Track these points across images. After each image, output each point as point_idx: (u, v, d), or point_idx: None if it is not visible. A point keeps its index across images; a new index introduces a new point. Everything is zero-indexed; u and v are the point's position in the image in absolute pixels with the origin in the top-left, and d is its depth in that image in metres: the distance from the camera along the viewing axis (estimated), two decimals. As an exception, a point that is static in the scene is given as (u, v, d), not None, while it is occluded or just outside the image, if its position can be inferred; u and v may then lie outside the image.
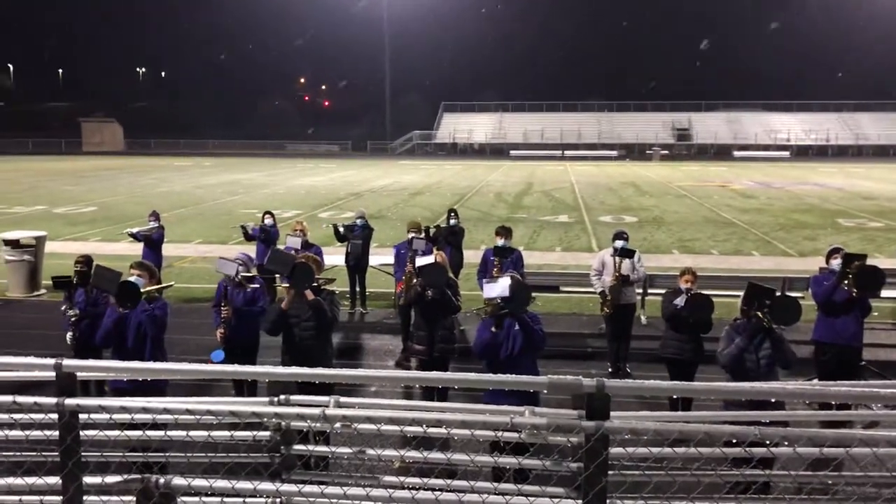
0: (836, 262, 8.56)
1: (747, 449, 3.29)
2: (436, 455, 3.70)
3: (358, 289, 13.28)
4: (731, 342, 6.37)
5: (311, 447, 4.02)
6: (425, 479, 3.71)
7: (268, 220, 13.15)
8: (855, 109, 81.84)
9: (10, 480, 3.78)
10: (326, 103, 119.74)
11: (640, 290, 11.74)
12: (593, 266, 10.48)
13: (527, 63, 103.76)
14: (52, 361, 3.49)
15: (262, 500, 3.81)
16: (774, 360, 6.29)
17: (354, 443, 3.88)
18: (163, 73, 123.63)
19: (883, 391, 3.27)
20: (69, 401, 3.45)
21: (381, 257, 14.12)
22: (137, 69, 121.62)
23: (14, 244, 14.40)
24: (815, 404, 7.17)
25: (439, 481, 3.70)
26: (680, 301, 8.10)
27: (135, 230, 13.32)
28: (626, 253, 10.02)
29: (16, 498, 3.80)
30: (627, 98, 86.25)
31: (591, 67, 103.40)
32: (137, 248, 13.53)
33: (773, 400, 5.01)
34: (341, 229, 13.14)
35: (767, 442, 3.30)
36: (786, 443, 3.33)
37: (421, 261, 8.19)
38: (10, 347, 10.09)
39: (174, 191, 36.66)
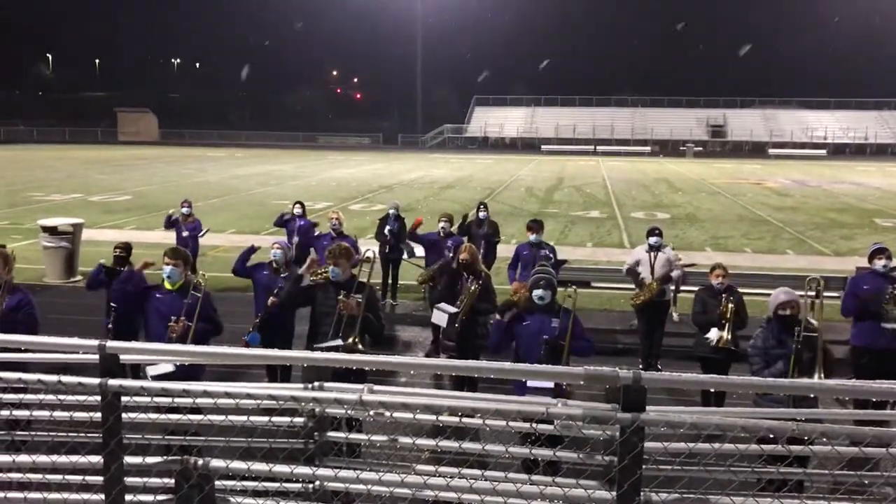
0: (880, 263, 8.06)
1: (785, 445, 3.27)
2: (470, 445, 3.72)
3: (390, 280, 13.35)
4: (764, 342, 6.32)
5: (346, 434, 4.07)
6: (459, 469, 3.73)
7: (297, 210, 13.27)
8: (895, 108, 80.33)
9: (55, 458, 3.87)
10: (358, 96, 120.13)
11: (673, 287, 11.66)
12: (627, 262, 10.43)
13: (560, 57, 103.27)
14: (95, 343, 3.56)
15: (299, 484, 3.87)
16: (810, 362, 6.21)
17: (387, 431, 3.92)
18: (197, 65, 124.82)
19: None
20: (112, 382, 3.52)
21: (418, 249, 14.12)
22: (173, 60, 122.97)
23: (52, 231, 14.66)
24: (850, 404, 7.07)
25: (473, 471, 3.73)
26: (712, 336, 7.96)
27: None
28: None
29: (59, 476, 3.90)
30: (661, 93, 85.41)
31: (624, 62, 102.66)
32: (170, 236, 13.71)
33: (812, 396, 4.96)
34: (386, 232, 13.13)
35: (805, 438, 3.28)
36: (824, 440, 3.30)
37: (439, 319, 8.11)
38: (47, 333, 10.26)
39: (208, 181, 37.04)
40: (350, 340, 6.32)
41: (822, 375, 5.94)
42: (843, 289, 11.77)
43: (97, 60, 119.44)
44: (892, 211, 28.07)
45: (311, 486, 3.88)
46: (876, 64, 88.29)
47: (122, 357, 3.76)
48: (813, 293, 6.35)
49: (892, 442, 3.25)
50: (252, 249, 8.83)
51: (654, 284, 9.76)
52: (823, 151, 71.14)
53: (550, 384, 5.96)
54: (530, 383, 6.03)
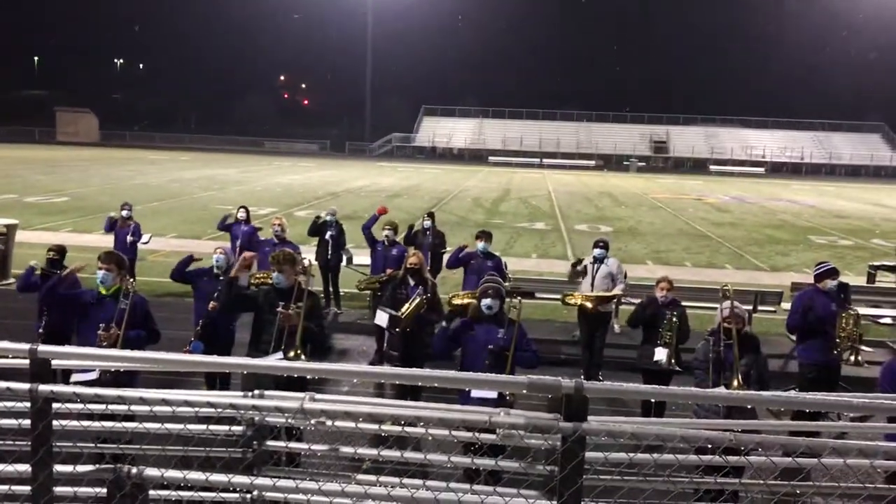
0: (832, 284, 8.19)
1: (722, 455, 3.32)
2: (412, 454, 3.70)
3: (331, 288, 13.24)
4: (705, 355, 6.45)
5: (285, 443, 4.00)
6: (400, 479, 3.70)
7: (241, 214, 13.08)
8: (829, 129, 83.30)
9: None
10: (306, 102, 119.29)
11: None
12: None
13: (508, 70, 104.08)
14: (26, 346, 3.44)
15: (236, 494, 3.79)
16: (751, 377, 6.34)
17: (328, 440, 3.87)
18: (140, 65, 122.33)
19: (855, 401, 3.33)
20: (43, 387, 3.41)
21: (357, 257, 14.06)
22: (115, 60, 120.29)
23: (-16, 231, 14.18)
24: (784, 416, 7.25)
25: (415, 480, 3.70)
26: (662, 358, 7.99)
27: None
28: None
29: (-17, 486, 3.75)
30: (606, 109, 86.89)
31: (571, 77, 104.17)
32: (108, 240, 13.38)
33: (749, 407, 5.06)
34: (320, 221, 12.99)
35: (742, 448, 3.34)
36: (759, 450, 3.37)
37: (381, 319, 8.04)
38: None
39: (149, 183, 36.31)
40: (291, 354, 6.22)
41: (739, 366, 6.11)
42: (778, 303, 12.15)
43: (35, 58, 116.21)
44: (825, 229, 28.97)
45: (248, 495, 3.80)
46: (813, 86, 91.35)
47: (53, 362, 3.64)
48: (727, 303, 6.49)
49: (823, 452, 3.33)
50: (191, 259, 8.65)
51: (588, 299, 9.88)
52: (762, 169, 73.27)
53: (494, 394, 5.97)
54: (474, 393, 6.03)
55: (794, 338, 9.11)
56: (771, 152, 78.38)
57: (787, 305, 10.36)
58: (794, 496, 3.69)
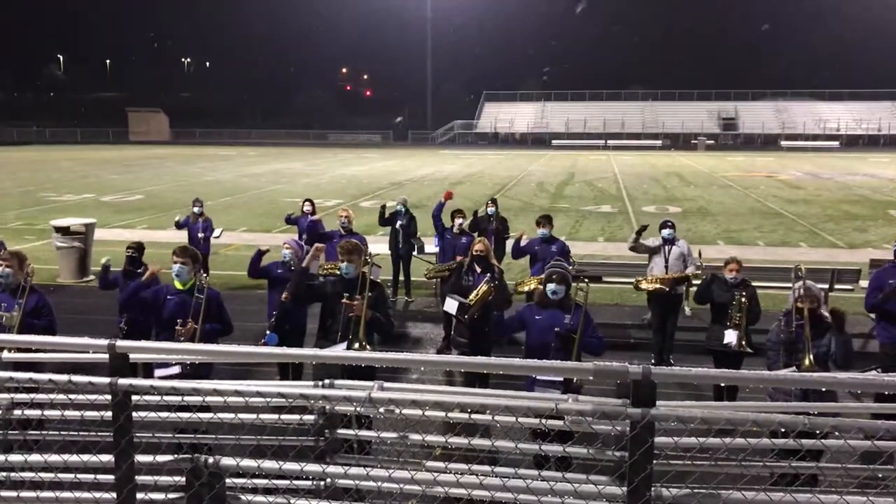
0: None
1: (797, 439, 3.24)
2: (480, 441, 3.71)
3: (401, 277, 13.36)
4: (777, 336, 6.30)
5: (356, 431, 4.07)
6: (469, 465, 3.72)
7: (307, 207, 13.28)
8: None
9: (67, 457, 3.89)
10: (368, 93, 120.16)
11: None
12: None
13: (569, 52, 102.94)
14: (105, 342, 3.57)
15: (309, 482, 3.87)
16: (830, 357, 6.16)
17: (397, 428, 3.92)
18: (207, 64, 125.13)
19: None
20: (122, 381, 3.53)
21: (427, 246, 14.13)
22: (183, 60, 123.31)
23: (64, 231, 14.75)
24: (867, 398, 7.01)
25: (483, 467, 3.72)
26: (732, 340, 7.87)
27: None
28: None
29: (71, 475, 3.91)
30: (672, 87, 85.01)
31: (634, 56, 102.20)
32: (182, 236, 13.73)
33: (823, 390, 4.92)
34: (387, 213, 13.22)
35: (818, 432, 3.25)
36: (836, 433, 3.27)
37: (450, 307, 7.93)
38: (60, 333, 10.32)
39: (219, 179, 37.17)
40: (356, 346, 6.29)
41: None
42: (856, 281, 11.75)
43: (108, 61, 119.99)
44: (906, 202, 27.84)
45: (321, 483, 3.88)
46: (888, 54, 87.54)
47: (132, 356, 3.77)
48: (799, 283, 6.29)
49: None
50: (260, 253, 8.82)
51: (664, 281, 9.74)
52: (836, 143, 70.73)
53: (560, 378, 5.95)
54: (540, 377, 6.02)
55: (873, 317, 8.80)
56: (846, 125, 75.56)
57: (865, 283, 10.00)
58: (876, 479, 3.58)
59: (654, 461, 3.28)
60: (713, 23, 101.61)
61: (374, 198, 29.13)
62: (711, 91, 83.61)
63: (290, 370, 8.03)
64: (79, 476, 3.90)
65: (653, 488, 3.30)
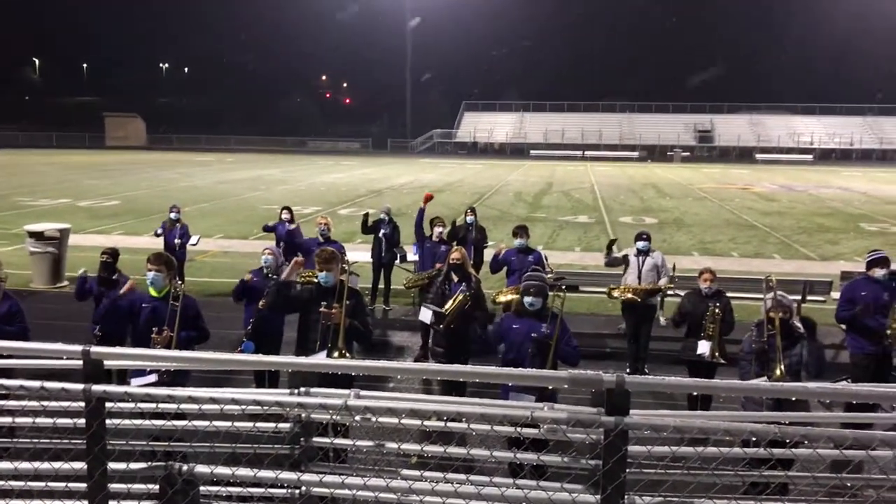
0: (880, 273, 8.07)
1: (767, 448, 3.28)
2: (455, 449, 3.72)
3: (381, 285, 13.35)
4: (749, 346, 6.38)
5: (331, 439, 4.07)
6: (444, 473, 3.73)
7: (285, 215, 13.23)
8: (879, 113, 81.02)
9: (37, 465, 3.85)
10: (348, 101, 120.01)
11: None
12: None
13: (548, 63, 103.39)
14: (80, 348, 3.55)
15: (284, 490, 3.86)
16: (802, 366, 6.24)
17: (373, 436, 3.92)
18: (185, 69, 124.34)
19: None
20: (96, 387, 3.51)
21: (410, 255, 14.12)
22: (160, 65, 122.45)
23: (38, 236, 14.58)
24: (837, 408, 7.10)
25: (458, 475, 3.73)
26: (705, 350, 7.94)
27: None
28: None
29: (42, 483, 3.87)
30: (649, 99, 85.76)
31: (612, 68, 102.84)
32: (158, 242, 13.63)
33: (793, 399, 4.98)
34: (370, 221, 13.23)
35: (788, 441, 3.30)
36: (805, 442, 3.32)
37: (425, 316, 8.01)
38: (34, 338, 10.21)
39: (196, 185, 36.94)
40: (336, 354, 6.29)
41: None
42: (828, 293, 11.91)
43: (84, 65, 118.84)
44: (877, 216, 28.27)
45: (296, 491, 3.87)
46: (861, 70, 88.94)
47: (107, 363, 3.75)
48: (771, 294, 6.39)
49: (872, 444, 3.27)
50: (244, 282, 8.69)
51: (635, 291, 9.82)
52: (810, 156, 71.74)
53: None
54: (514, 385, 6.05)
55: (844, 328, 8.93)
56: (819, 139, 76.64)
57: (836, 295, 10.15)
58: (845, 489, 3.63)
59: (628, 469, 3.31)
60: (690, 36, 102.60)
61: (353, 205, 29.09)
62: (687, 104, 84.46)
63: (266, 378, 8.01)
64: (50, 484, 3.87)
65: (626, 496, 3.33)
